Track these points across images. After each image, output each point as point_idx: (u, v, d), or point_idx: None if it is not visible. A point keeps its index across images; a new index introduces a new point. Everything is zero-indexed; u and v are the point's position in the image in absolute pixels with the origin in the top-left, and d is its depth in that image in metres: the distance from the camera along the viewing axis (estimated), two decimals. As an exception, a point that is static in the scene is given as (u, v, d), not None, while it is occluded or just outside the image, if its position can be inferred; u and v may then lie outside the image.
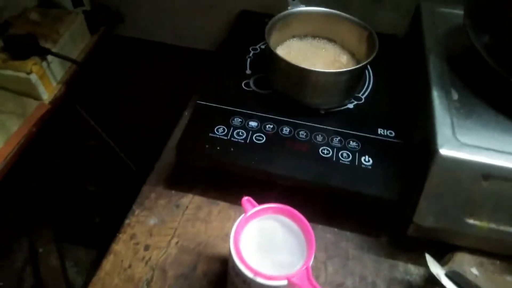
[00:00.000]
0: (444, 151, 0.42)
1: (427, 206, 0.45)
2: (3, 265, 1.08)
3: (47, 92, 0.64)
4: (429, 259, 0.46)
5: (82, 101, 0.82)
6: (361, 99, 0.59)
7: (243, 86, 0.59)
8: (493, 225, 0.45)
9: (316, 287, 0.37)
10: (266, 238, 0.42)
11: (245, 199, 0.42)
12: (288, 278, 0.37)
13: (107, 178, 1.10)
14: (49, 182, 1.07)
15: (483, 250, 0.48)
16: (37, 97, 0.63)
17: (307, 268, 0.38)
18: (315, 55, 0.60)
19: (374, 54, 0.52)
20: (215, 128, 0.53)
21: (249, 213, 0.41)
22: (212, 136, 0.52)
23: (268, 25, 0.56)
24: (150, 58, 0.88)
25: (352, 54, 0.61)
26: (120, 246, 0.49)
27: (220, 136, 0.52)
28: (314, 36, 0.63)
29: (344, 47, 0.62)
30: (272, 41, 0.56)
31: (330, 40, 0.63)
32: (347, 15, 0.59)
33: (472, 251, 0.48)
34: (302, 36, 0.63)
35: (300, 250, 0.40)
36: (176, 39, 0.82)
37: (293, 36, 0.62)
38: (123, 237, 0.50)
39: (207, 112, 0.55)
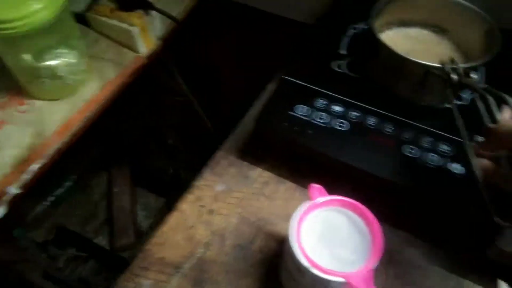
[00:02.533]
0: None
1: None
2: (83, 197, 1.20)
3: (145, 46, 0.67)
4: (501, 285, 0.41)
5: (176, 58, 0.84)
6: (466, 100, 0.53)
7: (334, 67, 0.56)
8: None
9: (375, 293, 0.35)
10: (329, 230, 0.41)
11: (315, 186, 0.41)
12: (346, 277, 0.35)
13: (187, 134, 1.14)
14: (134, 130, 1.15)
15: None
16: (135, 50, 0.66)
17: (369, 271, 0.36)
18: (423, 47, 0.55)
19: (490, 56, 0.46)
20: (297, 107, 0.51)
21: (317, 201, 0.39)
22: (292, 115, 0.51)
23: (375, 5, 0.51)
24: (248, 24, 0.87)
25: (465, 52, 0.54)
26: (186, 206, 0.50)
27: (300, 116, 0.50)
28: (424, 25, 0.57)
29: (457, 42, 0.55)
30: (376, 24, 0.52)
31: (442, 30, 0.56)
32: (467, 3, 0.52)
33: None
34: (412, 23, 0.57)
35: (363, 250, 0.38)
36: (277, 7, 0.80)
37: (401, 23, 0.57)
38: (190, 197, 0.51)
39: (291, 88, 0.54)
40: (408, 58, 0.46)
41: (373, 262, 0.36)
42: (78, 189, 1.19)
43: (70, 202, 1.17)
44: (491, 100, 0.36)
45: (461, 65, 0.43)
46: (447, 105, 0.52)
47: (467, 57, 0.53)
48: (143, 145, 1.20)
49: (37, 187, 0.55)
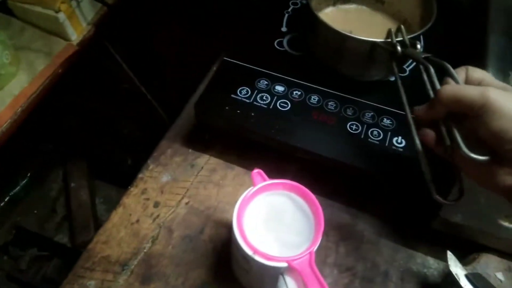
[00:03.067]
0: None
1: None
2: (39, 194, 1.15)
3: (75, 33, 0.63)
4: (451, 256, 0.42)
5: (115, 44, 0.80)
6: (405, 71, 0.53)
7: (276, 45, 0.55)
8: (531, 232, 0.40)
9: (318, 275, 0.34)
10: (274, 214, 0.40)
11: (256, 171, 0.40)
12: (288, 261, 0.35)
13: (141, 122, 1.11)
14: (85, 121, 1.10)
15: (514, 255, 0.43)
16: (65, 37, 0.62)
17: (310, 253, 0.35)
18: (362, 23, 0.54)
19: (430, 24, 0.45)
20: (239, 89, 0.50)
21: (257, 187, 0.38)
22: (234, 98, 0.49)
23: None
24: (188, 3, 0.84)
25: (404, 21, 0.54)
26: (131, 200, 0.48)
27: (243, 99, 0.49)
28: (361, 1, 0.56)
29: (394, 12, 0.55)
30: (314, 2, 0.50)
31: (380, 2, 0.55)
32: None
33: (501, 254, 0.44)
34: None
35: (308, 232, 0.37)
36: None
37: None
38: (134, 191, 0.49)
39: (232, 70, 0.52)
40: (352, 36, 0.45)
41: (314, 244, 0.36)
42: (34, 187, 1.14)
43: (27, 201, 1.13)
44: (432, 70, 0.36)
45: (407, 37, 0.43)
46: (390, 79, 0.51)
47: (406, 24, 0.53)
48: (98, 137, 1.15)
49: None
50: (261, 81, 0.50)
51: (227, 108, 0.48)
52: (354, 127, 0.47)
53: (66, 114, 1.06)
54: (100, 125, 1.12)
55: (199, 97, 0.49)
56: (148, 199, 0.49)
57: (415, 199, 0.45)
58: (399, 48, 0.41)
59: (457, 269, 0.41)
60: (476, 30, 0.49)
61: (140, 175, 0.51)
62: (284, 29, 0.57)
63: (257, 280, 0.41)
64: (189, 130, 0.55)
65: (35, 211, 1.14)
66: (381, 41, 0.44)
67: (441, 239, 0.45)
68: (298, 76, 0.51)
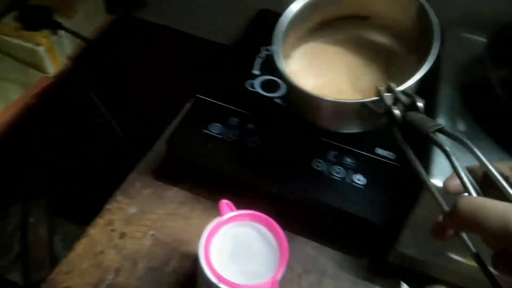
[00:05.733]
0: (437, 181, 0.40)
1: (411, 235, 0.44)
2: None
3: (53, 66, 0.64)
4: (404, 286, 0.44)
5: (91, 79, 0.81)
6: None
7: (248, 87, 0.58)
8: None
9: (281, 303, 0.35)
10: (239, 245, 0.41)
11: (224, 202, 0.41)
12: (252, 290, 0.36)
13: (109, 158, 1.10)
14: (49, 155, 1.08)
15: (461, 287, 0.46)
16: (43, 70, 0.63)
17: (274, 281, 0.36)
18: (340, 60, 0.48)
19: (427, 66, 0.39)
20: (210, 125, 0.52)
21: (224, 217, 0.40)
22: (205, 133, 0.51)
23: (274, 33, 0.45)
24: (166, 45, 0.87)
25: (392, 34, 0.47)
26: (96, 231, 0.48)
27: (214, 134, 0.51)
28: (338, 27, 0.49)
29: (381, 26, 0.47)
30: (287, 44, 0.46)
31: (361, 19, 0.48)
32: None
33: (452, 286, 0.46)
34: (325, 25, 0.49)
35: (273, 262, 0.39)
36: (196, 29, 0.81)
37: (313, 29, 0.49)
38: (100, 221, 0.49)
39: (205, 107, 0.54)
40: (332, 100, 0.39)
41: (279, 272, 0.37)
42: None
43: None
44: (453, 159, 0.27)
45: (398, 89, 0.36)
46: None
47: (397, 38, 0.47)
48: (61, 172, 1.13)
49: None
50: (232, 119, 0.53)
51: (199, 142, 0.50)
52: (319, 165, 0.50)
53: (32, 147, 1.04)
54: (64, 160, 1.10)
55: (171, 131, 0.51)
56: (114, 230, 0.49)
57: (374, 233, 0.47)
58: (396, 112, 0.33)
59: (411, 301, 0.44)
60: (430, 80, 0.55)
61: (107, 207, 0.51)
62: (256, 72, 0.60)
63: (222, 311, 0.41)
64: (159, 163, 0.56)
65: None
66: (370, 101, 0.37)
67: (397, 272, 0.47)
68: (268, 116, 0.54)
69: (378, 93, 0.37)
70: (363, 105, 0.38)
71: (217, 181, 0.52)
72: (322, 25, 0.50)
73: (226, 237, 0.40)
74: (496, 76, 0.46)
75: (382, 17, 0.47)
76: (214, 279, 0.36)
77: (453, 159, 0.27)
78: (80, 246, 0.46)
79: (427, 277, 0.47)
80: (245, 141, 0.51)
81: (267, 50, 0.64)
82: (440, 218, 0.27)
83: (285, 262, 0.37)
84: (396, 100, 0.35)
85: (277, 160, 0.50)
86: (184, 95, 0.66)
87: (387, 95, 0.36)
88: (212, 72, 0.61)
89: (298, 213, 0.50)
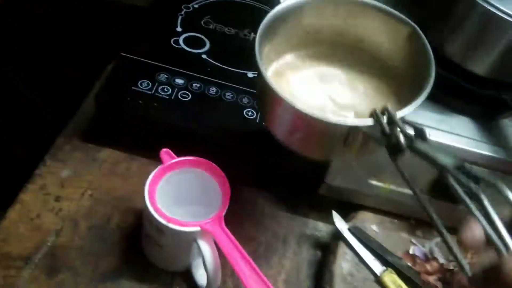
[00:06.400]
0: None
1: (337, 167, 0.49)
2: None
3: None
4: (335, 215, 0.50)
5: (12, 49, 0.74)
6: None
7: (172, 43, 0.58)
8: (393, 187, 0.50)
9: (228, 234, 0.38)
10: (182, 190, 0.43)
11: (164, 151, 0.42)
12: (200, 225, 0.38)
13: (24, 126, 1.02)
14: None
15: (383, 210, 0.53)
16: None
17: (220, 216, 0.39)
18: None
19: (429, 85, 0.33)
20: (139, 82, 0.51)
21: (166, 164, 0.41)
22: (135, 90, 0.51)
23: (259, 32, 0.35)
24: (85, 11, 0.82)
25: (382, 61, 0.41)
26: (28, 196, 0.46)
27: (144, 90, 0.51)
28: (323, 48, 0.43)
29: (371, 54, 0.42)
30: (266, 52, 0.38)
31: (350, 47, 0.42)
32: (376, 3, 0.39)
33: (374, 210, 0.53)
34: (309, 46, 0.43)
35: (216, 202, 0.41)
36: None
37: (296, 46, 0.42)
38: (32, 187, 0.47)
39: (131, 65, 0.53)
40: (326, 121, 0.31)
41: (223, 208, 0.39)
42: None
43: None
44: (486, 202, 0.22)
45: (397, 117, 0.30)
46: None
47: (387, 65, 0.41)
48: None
49: None
50: (161, 75, 0.53)
51: (129, 99, 0.50)
52: (250, 113, 0.52)
53: None
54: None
55: (99, 89, 0.50)
56: (48, 193, 0.47)
57: (305, 170, 0.52)
58: (402, 141, 0.28)
59: (341, 225, 0.49)
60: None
61: (37, 171, 0.48)
62: (179, 29, 0.60)
63: (171, 254, 0.43)
64: (87, 125, 0.54)
65: None
66: (366, 126, 0.31)
67: (329, 206, 0.52)
68: (196, 71, 0.55)
69: (376, 116, 0.31)
70: (355, 128, 0.32)
71: (151, 135, 0.52)
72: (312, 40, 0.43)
73: (169, 184, 0.41)
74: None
75: (374, 42, 0.42)
76: (163, 221, 0.37)
77: (486, 203, 0.22)
78: (14, 212, 0.44)
79: (353, 204, 0.53)
80: (176, 96, 0.51)
81: (187, 7, 0.64)
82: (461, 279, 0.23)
83: (228, 198, 0.40)
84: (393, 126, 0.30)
85: (208, 110, 0.51)
86: (106, 63, 0.64)
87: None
88: (135, 33, 0.59)
89: (237, 162, 0.53)
